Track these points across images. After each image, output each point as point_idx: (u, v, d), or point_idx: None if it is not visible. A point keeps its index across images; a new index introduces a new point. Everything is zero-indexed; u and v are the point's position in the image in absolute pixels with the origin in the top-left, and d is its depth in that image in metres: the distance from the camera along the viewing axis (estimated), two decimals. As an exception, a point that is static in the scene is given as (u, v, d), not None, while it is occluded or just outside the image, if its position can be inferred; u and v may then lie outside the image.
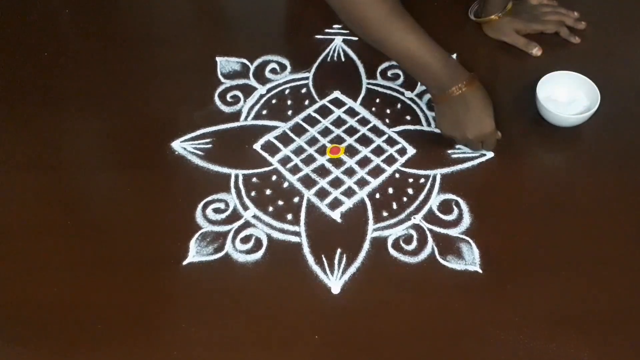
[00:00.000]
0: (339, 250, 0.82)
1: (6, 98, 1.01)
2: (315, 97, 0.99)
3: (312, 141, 0.93)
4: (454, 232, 0.83)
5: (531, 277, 0.79)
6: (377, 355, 0.73)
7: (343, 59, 1.04)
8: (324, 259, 0.81)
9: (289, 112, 0.97)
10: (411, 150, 0.92)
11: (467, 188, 0.87)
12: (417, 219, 0.85)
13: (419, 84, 0.99)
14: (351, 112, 0.97)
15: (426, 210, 0.85)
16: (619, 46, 1.06)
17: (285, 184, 0.89)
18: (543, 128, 0.93)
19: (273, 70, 1.03)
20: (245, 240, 0.83)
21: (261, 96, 0.99)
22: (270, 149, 0.93)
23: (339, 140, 0.93)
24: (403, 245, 0.82)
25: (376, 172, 0.90)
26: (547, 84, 0.93)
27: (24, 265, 0.82)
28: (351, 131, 0.94)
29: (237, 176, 0.90)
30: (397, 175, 0.89)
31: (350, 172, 0.90)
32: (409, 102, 0.98)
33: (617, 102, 0.95)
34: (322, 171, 0.90)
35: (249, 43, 1.07)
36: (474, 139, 0.86)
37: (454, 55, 0.84)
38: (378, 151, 0.92)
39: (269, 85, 1.01)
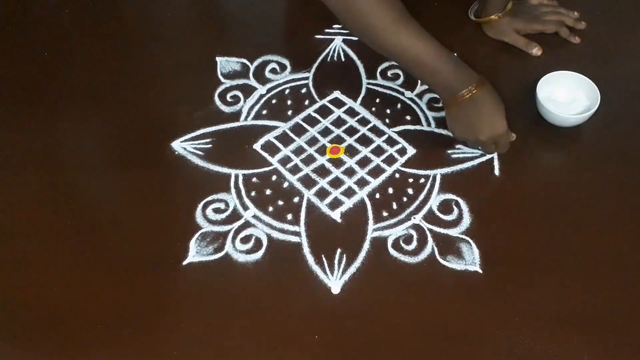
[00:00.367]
0: (339, 250, 0.82)
1: (6, 98, 1.01)
2: (315, 97, 0.99)
3: (312, 141, 0.93)
4: (454, 232, 0.83)
5: (531, 277, 0.79)
6: (377, 355, 0.73)
7: (343, 59, 1.04)
8: (324, 259, 0.81)
9: (289, 112, 0.97)
10: (411, 150, 0.92)
11: (467, 188, 0.87)
12: (417, 219, 0.85)
13: (419, 83, 0.99)
14: (351, 112, 0.97)
15: (426, 210, 0.85)
16: (619, 46, 1.06)
17: (285, 184, 0.89)
18: (543, 128, 0.93)
19: (273, 70, 1.03)
20: (245, 240, 0.83)
21: (261, 96, 0.99)
22: (270, 149, 0.93)
23: (339, 140, 0.93)
24: (403, 245, 0.82)
25: (376, 172, 0.90)
26: (547, 84, 0.93)
27: (24, 265, 0.82)
28: (351, 131, 0.94)
29: (237, 176, 0.90)
30: (397, 175, 0.89)
31: (350, 172, 0.90)
32: (409, 102, 0.98)
33: (617, 102, 0.95)
34: (322, 171, 0.90)
35: (249, 43, 1.07)
36: (487, 141, 0.85)
37: (454, 55, 0.84)
38: (378, 151, 0.92)
39: (269, 85, 1.01)
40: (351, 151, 0.92)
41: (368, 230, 0.84)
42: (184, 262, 0.81)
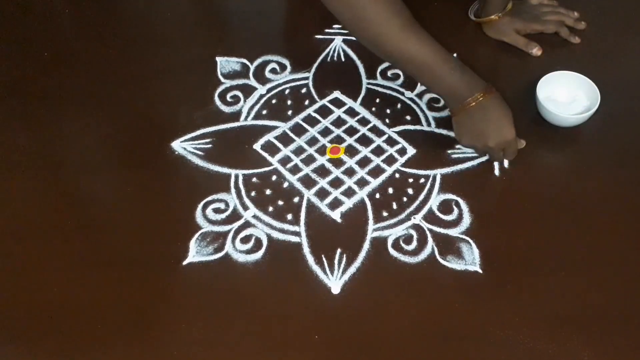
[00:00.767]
0: (339, 250, 0.82)
1: (6, 98, 1.01)
2: (315, 97, 0.99)
3: (312, 141, 0.93)
4: (454, 232, 0.83)
5: (531, 277, 0.79)
6: (377, 355, 0.73)
7: (343, 59, 1.04)
8: (324, 259, 0.81)
9: (289, 112, 0.97)
10: (411, 150, 0.92)
11: (467, 188, 0.87)
12: (417, 219, 0.85)
13: (419, 83, 0.99)
14: (351, 112, 0.97)
15: (426, 210, 0.85)
16: (619, 46, 1.06)
17: (285, 184, 0.89)
18: (543, 128, 0.93)
19: (273, 70, 1.03)
20: (245, 240, 0.83)
21: (261, 96, 0.99)
22: (270, 149, 0.93)
23: (339, 140, 0.93)
24: (403, 245, 0.82)
25: (376, 172, 0.90)
26: (547, 84, 0.93)
27: (24, 265, 0.82)
28: (351, 131, 0.94)
29: (237, 176, 0.90)
30: (397, 175, 0.89)
31: (350, 172, 0.90)
32: (409, 102, 0.98)
33: (617, 102, 0.95)
34: (322, 171, 0.90)
35: (249, 43, 1.07)
36: (495, 147, 0.84)
37: (454, 55, 0.84)
38: (378, 151, 0.92)
39: (269, 85, 1.01)
40: (351, 151, 0.92)
41: (368, 230, 0.84)
42: (184, 262, 0.81)
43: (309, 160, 0.91)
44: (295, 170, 0.90)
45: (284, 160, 0.91)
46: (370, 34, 0.81)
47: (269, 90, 1.00)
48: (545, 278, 0.79)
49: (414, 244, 0.82)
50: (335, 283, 0.79)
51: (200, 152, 0.92)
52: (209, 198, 0.87)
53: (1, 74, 1.04)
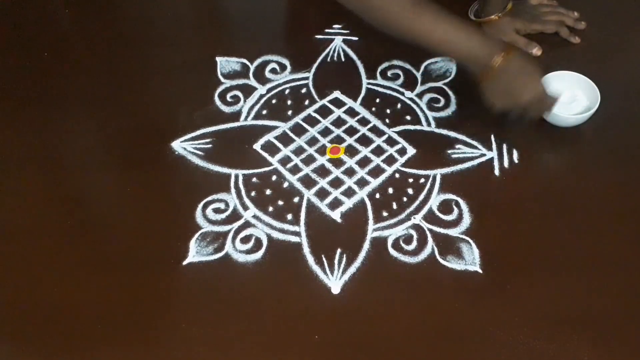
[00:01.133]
0: (339, 250, 0.82)
1: (6, 98, 1.01)
2: (315, 97, 0.99)
3: (312, 141, 0.93)
4: (454, 232, 0.83)
5: (531, 277, 0.79)
6: (377, 355, 0.73)
7: (343, 59, 1.04)
8: (324, 259, 0.81)
9: (289, 112, 0.97)
10: (411, 150, 0.92)
11: (467, 188, 0.87)
12: (417, 219, 0.85)
13: (419, 83, 0.99)
14: (351, 112, 0.97)
15: (426, 210, 0.85)
16: (619, 46, 1.06)
17: (285, 184, 0.89)
18: (543, 128, 0.93)
19: (273, 70, 1.03)
20: (245, 240, 0.83)
21: (261, 96, 0.99)
22: (270, 149, 0.93)
23: (339, 140, 0.93)
24: (403, 245, 0.82)
25: (376, 172, 0.90)
26: (547, 84, 0.93)
27: (24, 265, 0.82)
28: (351, 131, 0.94)
29: (237, 176, 0.90)
30: (397, 175, 0.89)
31: (350, 172, 0.90)
32: (409, 102, 0.98)
33: (617, 102, 0.95)
34: (322, 171, 0.90)
35: (249, 43, 1.07)
36: (531, 100, 0.84)
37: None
38: (378, 151, 0.92)
39: (269, 85, 1.01)
40: (351, 151, 0.92)
41: (368, 230, 0.84)
42: (184, 262, 0.81)
43: (309, 160, 0.91)
44: (295, 170, 0.90)
45: (284, 160, 0.91)
46: (383, 16, 0.82)
47: (269, 90, 1.00)
48: (546, 278, 0.79)
49: (414, 244, 0.82)
50: (335, 283, 0.79)
51: (200, 152, 0.92)
52: (209, 198, 0.87)
53: (1, 74, 1.04)
